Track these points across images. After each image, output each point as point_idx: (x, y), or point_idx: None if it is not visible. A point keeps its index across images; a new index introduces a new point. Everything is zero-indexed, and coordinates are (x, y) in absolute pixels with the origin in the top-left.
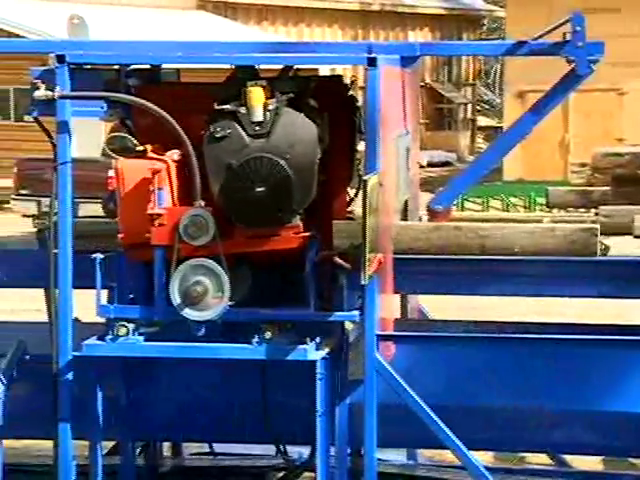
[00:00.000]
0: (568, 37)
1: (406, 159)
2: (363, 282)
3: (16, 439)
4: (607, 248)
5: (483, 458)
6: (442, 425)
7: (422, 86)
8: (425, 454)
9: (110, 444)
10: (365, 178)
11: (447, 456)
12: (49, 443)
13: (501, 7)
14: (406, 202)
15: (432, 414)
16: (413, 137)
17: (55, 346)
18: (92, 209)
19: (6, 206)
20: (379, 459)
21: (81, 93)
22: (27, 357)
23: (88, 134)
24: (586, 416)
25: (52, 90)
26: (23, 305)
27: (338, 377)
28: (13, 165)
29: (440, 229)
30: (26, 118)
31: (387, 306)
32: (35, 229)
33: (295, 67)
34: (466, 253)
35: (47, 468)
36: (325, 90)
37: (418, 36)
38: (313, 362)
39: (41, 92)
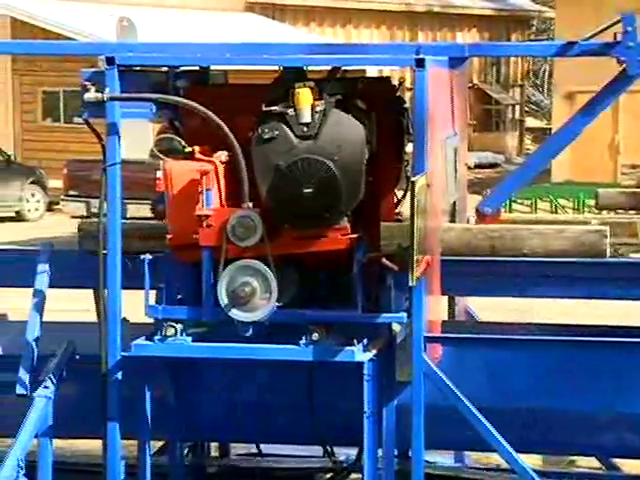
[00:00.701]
0: (619, 37)
1: (454, 160)
2: (411, 284)
3: (65, 439)
4: (617, 250)
5: (531, 461)
6: (490, 427)
7: (470, 87)
8: (472, 456)
9: (158, 444)
10: (413, 179)
11: (494, 459)
12: (98, 443)
13: (550, 7)
14: (454, 204)
15: (479, 416)
16: (461, 138)
17: (104, 346)
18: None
19: (56, 207)
20: (426, 461)
21: (130, 95)
22: (76, 357)
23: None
24: (637, 420)
25: (102, 92)
26: (71, 305)
27: (385, 379)
28: (63, 166)
29: (452, 230)
30: (75, 120)
31: (434, 308)
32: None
33: (343, 68)
34: (476, 254)
35: (96, 467)
36: (373, 91)
37: (466, 37)
38: (360, 363)
39: (91, 94)
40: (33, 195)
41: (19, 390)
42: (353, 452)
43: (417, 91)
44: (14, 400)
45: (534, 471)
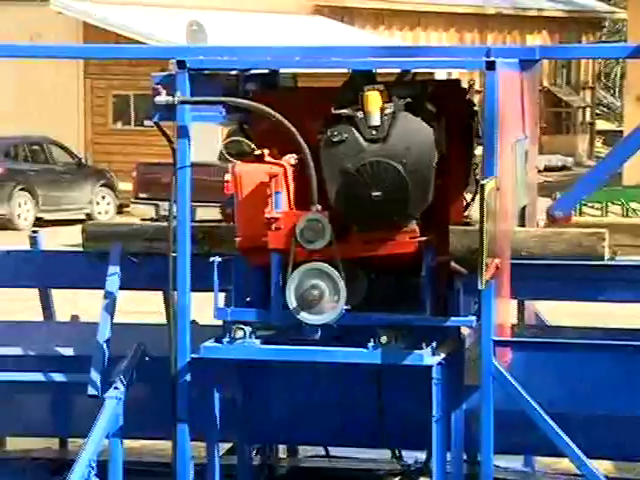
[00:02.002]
0: None
1: (524, 163)
2: (480, 287)
3: (135, 439)
4: (615, 252)
5: (603, 467)
6: (560, 432)
7: (540, 90)
8: (542, 462)
9: (227, 445)
10: (483, 182)
11: (565, 464)
12: (167, 443)
13: (622, 8)
14: (524, 207)
15: (550, 421)
16: (531, 141)
17: (173, 348)
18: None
19: (125, 210)
20: (495, 465)
21: (201, 98)
22: (146, 359)
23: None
24: None
25: (172, 95)
26: (140, 307)
27: (454, 382)
28: (132, 169)
29: (453, 232)
30: (146, 123)
31: (504, 311)
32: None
33: (412, 71)
34: (475, 255)
35: (165, 468)
36: (442, 94)
37: (536, 39)
38: (429, 367)
39: (162, 97)
40: (103, 198)
41: (90, 391)
42: (422, 455)
43: (487, 94)
44: (86, 401)
45: (605, 477)
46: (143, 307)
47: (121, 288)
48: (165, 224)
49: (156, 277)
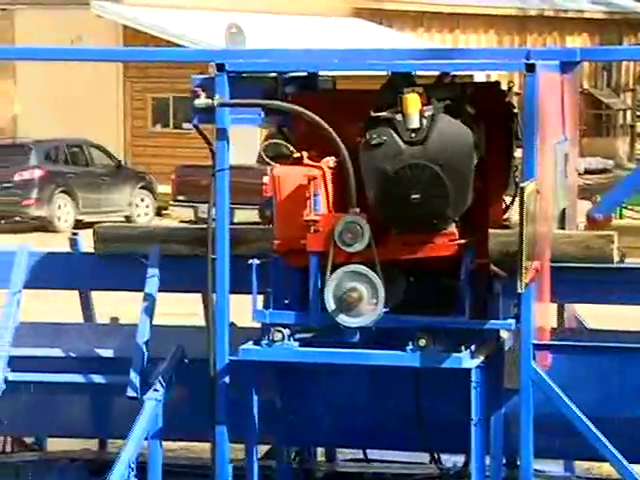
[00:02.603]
0: None
1: (564, 166)
2: (519, 290)
3: (175, 441)
4: (624, 255)
5: None
6: (601, 436)
7: (580, 92)
8: (582, 466)
9: (266, 447)
10: (522, 185)
11: (606, 469)
12: (206, 445)
13: None
14: (564, 210)
15: (590, 425)
16: (572, 144)
17: (212, 350)
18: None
19: (165, 212)
20: (535, 469)
21: (240, 101)
22: (185, 361)
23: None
24: None
25: (212, 98)
26: (178, 309)
27: (493, 386)
28: (171, 172)
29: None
30: (184, 126)
31: (543, 315)
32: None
33: (451, 74)
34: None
35: (204, 470)
36: (482, 96)
37: (576, 41)
38: (468, 370)
39: (201, 100)
40: (142, 200)
41: (130, 392)
42: (460, 459)
43: (527, 96)
44: (125, 402)
45: None
46: (175, 309)
47: (160, 290)
48: (178, 226)
49: (196, 279)
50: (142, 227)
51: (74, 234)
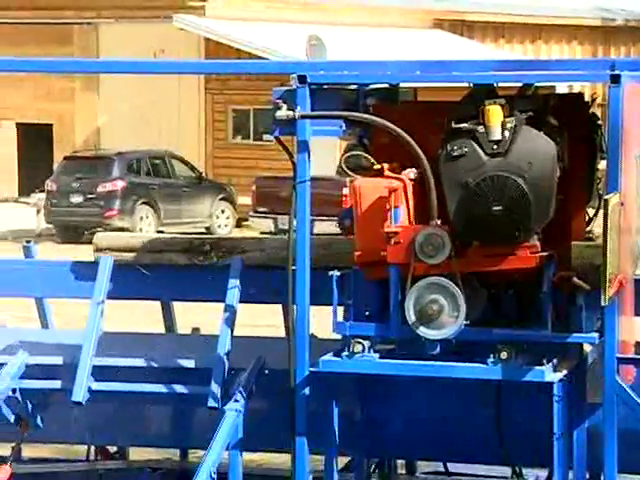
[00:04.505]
0: None
1: None
2: (603, 303)
3: (254, 451)
4: None
5: None
6: None
7: None
8: None
9: (346, 459)
10: (606, 197)
11: None
12: (287, 456)
13: None
14: None
15: None
16: None
17: (292, 362)
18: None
19: (244, 223)
20: None
21: (322, 113)
22: (265, 372)
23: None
24: None
25: (293, 110)
26: (258, 321)
27: (576, 400)
28: (252, 183)
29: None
30: (265, 137)
31: (628, 328)
32: None
33: (534, 85)
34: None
35: None
36: (565, 108)
37: None
38: (550, 384)
39: (283, 112)
40: (223, 211)
41: (211, 403)
42: (542, 473)
43: (612, 108)
44: (206, 412)
45: None
46: (257, 320)
47: (241, 301)
48: (178, 237)
49: (276, 291)
50: (139, 236)
51: (27, 241)
